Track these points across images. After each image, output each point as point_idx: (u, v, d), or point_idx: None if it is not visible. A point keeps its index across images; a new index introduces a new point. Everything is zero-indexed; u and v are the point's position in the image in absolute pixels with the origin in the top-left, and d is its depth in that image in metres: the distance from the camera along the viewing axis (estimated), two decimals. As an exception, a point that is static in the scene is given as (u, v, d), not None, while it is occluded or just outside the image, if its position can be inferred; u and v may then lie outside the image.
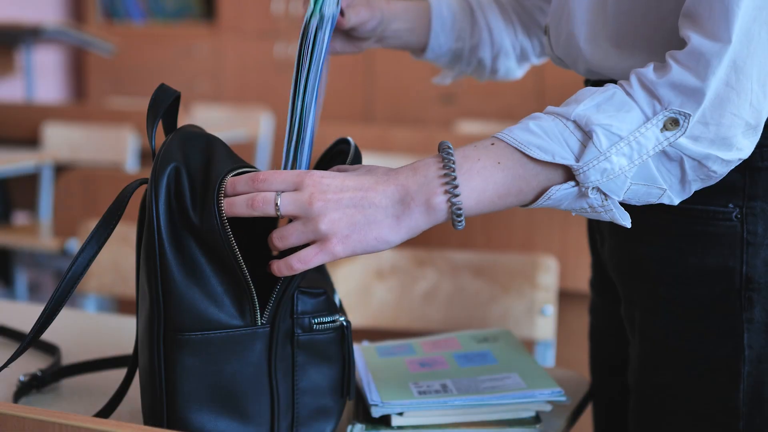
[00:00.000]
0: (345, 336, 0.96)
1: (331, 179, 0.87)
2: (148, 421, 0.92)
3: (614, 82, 1.02)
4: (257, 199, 0.86)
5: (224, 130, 4.23)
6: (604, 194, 0.88)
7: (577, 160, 0.87)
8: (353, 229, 0.86)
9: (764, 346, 0.95)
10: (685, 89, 0.86)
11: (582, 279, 2.11)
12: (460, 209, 0.87)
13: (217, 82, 5.89)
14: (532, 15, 1.24)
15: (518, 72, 1.28)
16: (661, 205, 0.97)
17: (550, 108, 0.90)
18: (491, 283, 1.62)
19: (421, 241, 2.05)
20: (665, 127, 0.86)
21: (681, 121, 0.86)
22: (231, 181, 0.88)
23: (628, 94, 0.88)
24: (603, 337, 1.21)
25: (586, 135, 0.87)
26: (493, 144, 0.89)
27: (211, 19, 5.98)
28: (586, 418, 1.20)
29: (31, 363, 1.16)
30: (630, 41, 0.97)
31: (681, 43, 0.94)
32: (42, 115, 3.92)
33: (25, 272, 3.72)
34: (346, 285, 1.70)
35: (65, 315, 1.41)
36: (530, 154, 0.87)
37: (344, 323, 0.96)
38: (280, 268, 0.88)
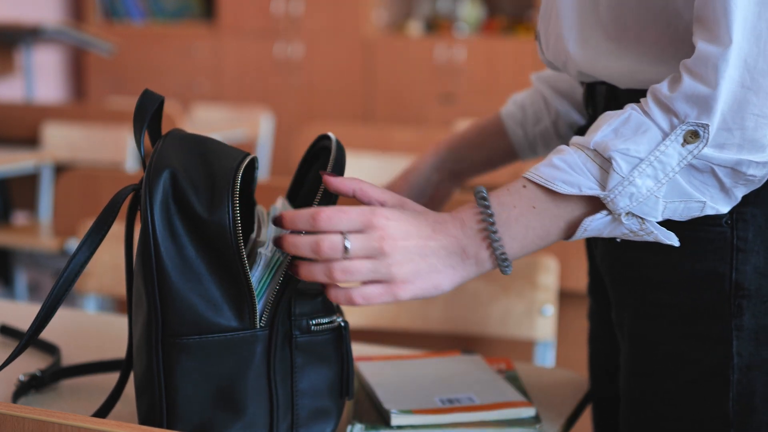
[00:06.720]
0: (343, 336, 0.96)
1: (396, 222, 0.88)
2: (145, 423, 0.92)
3: (604, 83, 1.02)
4: (324, 246, 0.87)
5: (224, 130, 4.23)
6: (641, 218, 0.88)
7: (603, 188, 0.87)
8: (417, 276, 0.89)
9: (753, 354, 0.94)
10: (698, 99, 0.85)
11: (582, 279, 2.11)
12: (505, 258, 0.90)
13: (217, 82, 5.88)
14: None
15: None
16: None
17: (573, 138, 0.91)
18: (491, 283, 1.62)
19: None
20: (686, 141, 0.86)
21: (701, 133, 0.85)
22: (289, 217, 0.88)
23: (645, 113, 0.88)
24: (600, 342, 1.20)
25: (607, 162, 0.87)
26: (524, 186, 0.90)
27: (211, 19, 5.98)
28: (586, 418, 1.20)
29: (31, 363, 1.16)
30: (623, 40, 0.97)
31: (673, 39, 0.94)
32: (42, 115, 3.92)
33: (25, 272, 3.73)
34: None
35: (65, 315, 1.41)
36: (557, 190, 0.88)
37: (342, 324, 0.96)
38: (338, 296, 0.89)
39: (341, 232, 0.87)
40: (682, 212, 0.89)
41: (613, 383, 1.14)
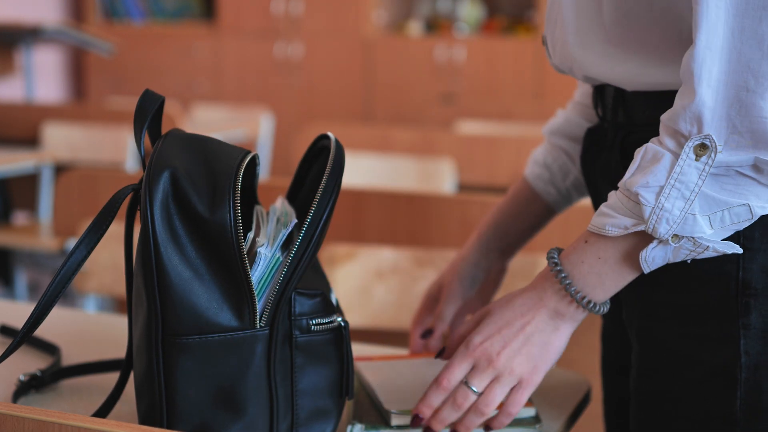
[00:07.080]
0: (343, 336, 0.96)
1: (489, 340, 0.97)
2: (145, 423, 0.92)
3: (611, 85, 1.03)
4: (460, 402, 0.97)
5: (224, 130, 4.23)
6: (690, 237, 0.90)
7: (643, 221, 0.90)
8: (537, 359, 0.97)
9: (761, 352, 0.94)
10: (692, 112, 0.87)
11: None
12: (594, 305, 0.96)
13: (217, 82, 5.89)
14: None
15: None
16: None
17: (620, 182, 0.94)
18: (491, 283, 1.62)
19: (421, 241, 2.05)
20: (697, 155, 0.88)
21: (708, 143, 0.87)
22: (425, 407, 0.98)
23: (659, 142, 0.91)
24: (612, 339, 1.21)
25: (636, 197, 0.90)
26: (586, 241, 0.96)
27: (211, 19, 5.99)
28: (586, 418, 1.20)
29: (31, 363, 1.16)
30: (627, 44, 0.97)
31: (676, 42, 0.94)
32: (42, 115, 3.92)
33: (25, 272, 3.73)
34: (346, 285, 1.69)
35: (65, 315, 1.41)
36: (609, 234, 0.93)
37: (342, 323, 0.96)
38: (502, 421, 0.99)
39: (463, 382, 0.97)
40: (731, 220, 0.90)
41: (623, 379, 1.14)
